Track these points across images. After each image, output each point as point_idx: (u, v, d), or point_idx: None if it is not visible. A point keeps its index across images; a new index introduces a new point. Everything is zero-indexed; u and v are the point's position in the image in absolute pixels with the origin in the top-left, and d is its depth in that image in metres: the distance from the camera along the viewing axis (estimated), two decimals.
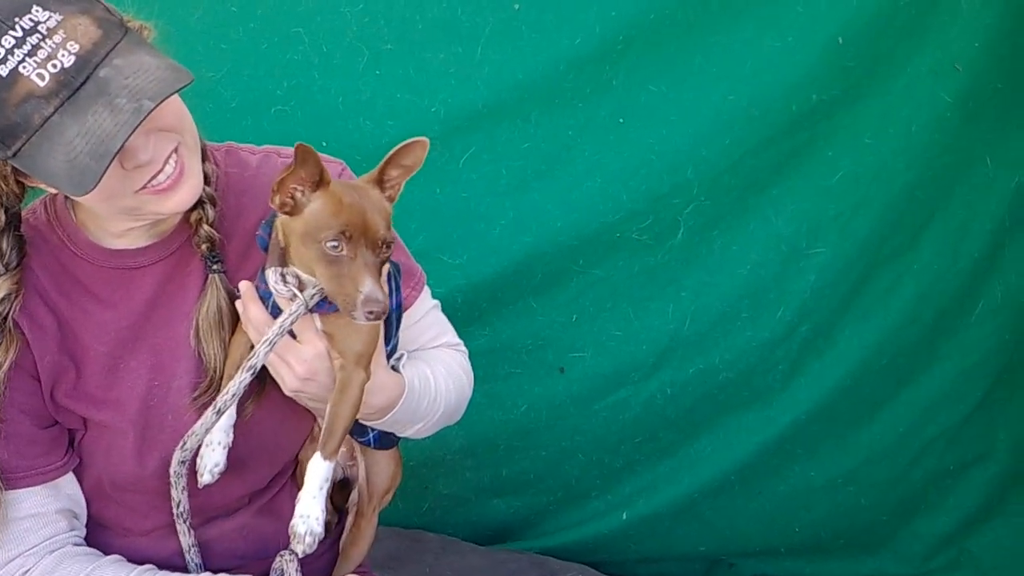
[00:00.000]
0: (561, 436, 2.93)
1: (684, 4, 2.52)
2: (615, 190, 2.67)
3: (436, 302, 2.04)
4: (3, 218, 1.65)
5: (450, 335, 2.05)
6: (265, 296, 1.69)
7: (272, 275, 1.64)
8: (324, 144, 2.28)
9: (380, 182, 1.64)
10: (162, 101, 1.44)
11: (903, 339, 2.90)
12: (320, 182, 1.58)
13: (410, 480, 2.30)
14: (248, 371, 1.65)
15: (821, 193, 2.75)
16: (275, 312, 1.67)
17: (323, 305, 1.64)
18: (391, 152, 1.61)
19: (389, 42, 2.45)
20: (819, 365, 2.92)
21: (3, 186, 1.62)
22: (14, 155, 1.47)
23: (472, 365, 2.11)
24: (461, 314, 2.58)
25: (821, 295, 2.84)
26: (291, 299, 1.64)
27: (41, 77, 1.42)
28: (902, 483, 3.07)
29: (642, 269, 2.79)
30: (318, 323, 1.67)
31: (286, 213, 1.60)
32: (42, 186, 1.60)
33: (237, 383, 1.66)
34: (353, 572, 1.96)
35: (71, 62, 1.43)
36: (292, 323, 1.63)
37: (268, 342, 1.63)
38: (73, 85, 1.43)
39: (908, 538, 3.12)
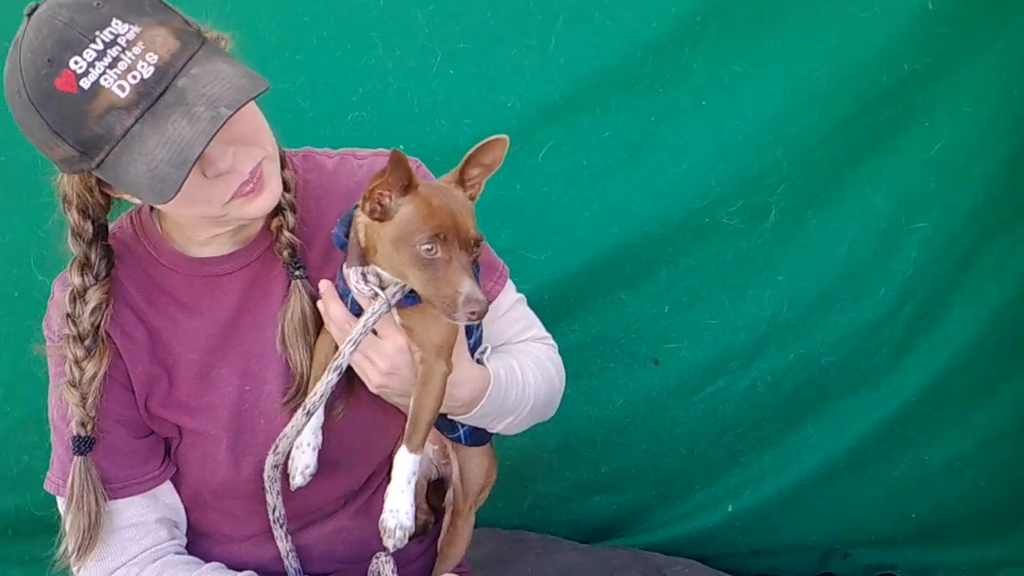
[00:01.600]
0: (660, 429, 2.87)
1: None
2: (701, 175, 2.61)
3: (521, 296, 2.02)
4: (91, 229, 1.70)
5: (537, 328, 2.02)
6: (344, 293, 1.70)
7: (353, 274, 1.65)
8: (402, 147, 2.27)
9: (461, 181, 1.64)
10: (239, 108, 1.46)
11: (1016, 313, 2.76)
12: (408, 186, 1.58)
13: (509, 479, 2.29)
14: (335, 371, 1.67)
15: (919, 166, 2.64)
16: (354, 309, 1.68)
17: (403, 300, 1.64)
18: (471, 151, 1.61)
19: (461, 41, 2.44)
20: (927, 344, 2.81)
21: (89, 198, 1.67)
22: (98, 166, 1.51)
23: (564, 361, 2.08)
24: (549, 310, 2.54)
25: (925, 272, 2.73)
26: (373, 298, 1.65)
27: (122, 88, 1.45)
28: None
29: (735, 255, 2.72)
30: (397, 318, 1.68)
31: (376, 219, 1.60)
32: (126, 197, 1.64)
33: (324, 384, 1.68)
34: (452, 572, 1.95)
35: (150, 73, 1.45)
36: (375, 321, 1.65)
37: (352, 341, 1.65)
38: (152, 95, 1.46)
39: None
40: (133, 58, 1.45)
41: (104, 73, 1.44)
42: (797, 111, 2.56)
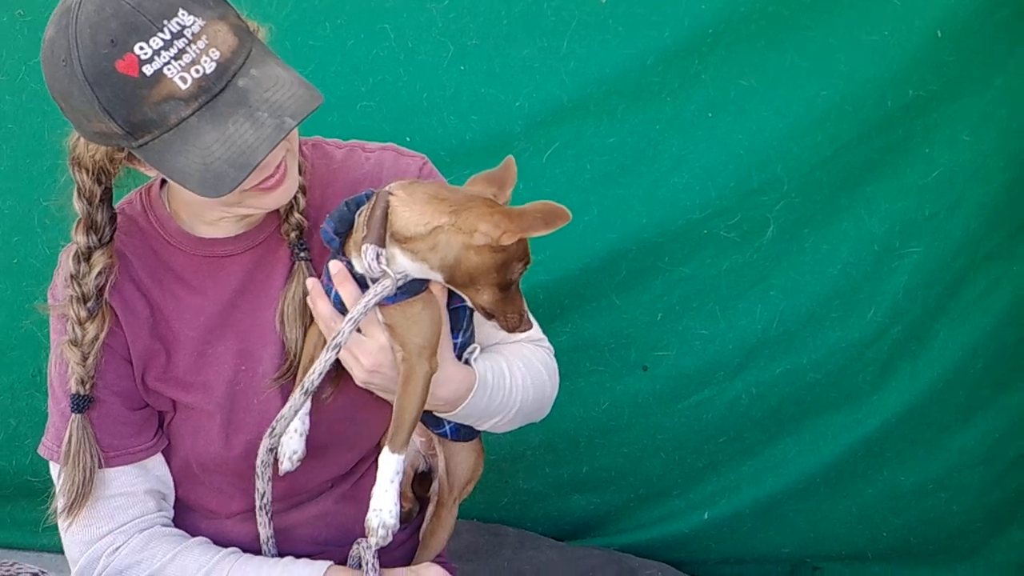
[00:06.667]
0: (643, 434, 2.90)
1: None
2: (703, 186, 2.63)
3: None
4: (99, 192, 1.71)
5: (533, 331, 2.04)
6: (327, 290, 1.71)
7: (372, 251, 1.63)
8: (408, 139, 2.33)
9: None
10: (302, 119, 1.50)
11: (999, 343, 2.80)
12: None
13: (490, 474, 2.30)
14: (333, 349, 1.67)
15: (916, 191, 2.67)
16: (337, 304, 1.70)
17: (387, 298, 1.66)
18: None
19: (474, 38, 2.44)
20: (911, 368, 2.84)
21: (110, 169, 1.69)
22: (139, 147, 1.52)
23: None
24: (543, 310, 2.57)
25: (914, 296, 2.76)
26: (380, 277, 1.65)
27: (184, 80, 1.46)
28: (996, 490, 2.96)
29: (730, 267, 2.74)
30: (380, 315, 1.69)
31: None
32: (143, 171, 1.66)
33: (323, 362, 1.68)
34: (432, 560, 1.98)
35: (212, 68, 1.47)
36: (377, 301, 1.65)
37: (352, 320, 1.65)
38: (212, 91, 1.48)
39: (1003, 547, 3.01)
40: (197, 52, 1.47)
41: (168, 63, 1.45)
42: (801, 130, 2.58)
